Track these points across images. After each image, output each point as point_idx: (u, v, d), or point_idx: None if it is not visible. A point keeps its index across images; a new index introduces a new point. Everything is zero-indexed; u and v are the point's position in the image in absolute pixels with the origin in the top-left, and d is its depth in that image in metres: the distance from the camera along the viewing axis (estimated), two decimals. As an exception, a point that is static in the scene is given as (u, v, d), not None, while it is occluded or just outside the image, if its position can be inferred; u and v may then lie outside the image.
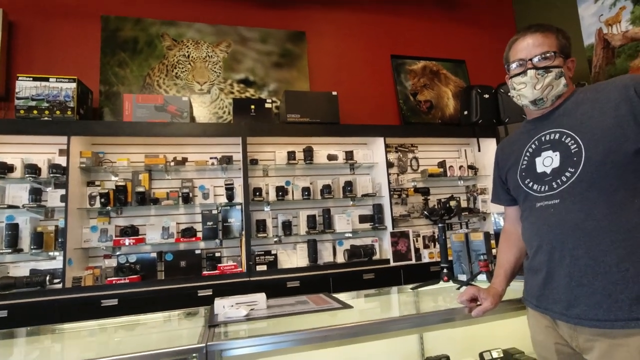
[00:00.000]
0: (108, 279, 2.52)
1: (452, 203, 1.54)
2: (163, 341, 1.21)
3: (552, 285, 1.02)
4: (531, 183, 1.08)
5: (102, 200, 2.64)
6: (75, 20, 2.99)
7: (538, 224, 1.05)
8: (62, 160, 2.62)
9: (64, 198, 2.56)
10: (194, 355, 0.93)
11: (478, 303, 1.15)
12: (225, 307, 1.23)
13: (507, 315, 1.29)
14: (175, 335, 1.27)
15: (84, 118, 2.65)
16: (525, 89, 1.07)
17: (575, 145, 0.98)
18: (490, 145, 3.42)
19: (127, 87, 3.01)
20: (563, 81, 1.05)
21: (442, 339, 1.51)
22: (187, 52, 3.18)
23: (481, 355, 1.43)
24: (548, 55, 1.05)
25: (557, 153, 1.02)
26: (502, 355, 1.43)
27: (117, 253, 2.70)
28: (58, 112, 2.49)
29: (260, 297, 1.30)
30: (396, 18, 3.85)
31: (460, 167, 3.41)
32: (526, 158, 1.11)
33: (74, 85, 2.55)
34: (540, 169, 1.06)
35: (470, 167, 3.45)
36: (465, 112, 3.43)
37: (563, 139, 1.01)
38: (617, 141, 0.91)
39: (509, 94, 1.15)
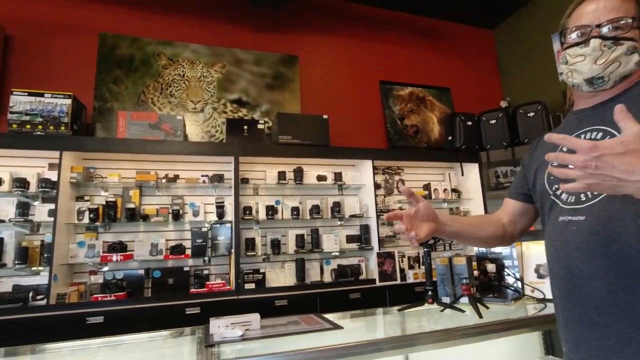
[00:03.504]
0: (94, 295, 2.49)
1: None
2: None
3: (564, 319, 0.88)
4: (560, 191, 0.89)
5: (92, 215, 2.64)
6: (72, 36, 3.04)
7: (557, 241, 0.88)
8: (51, 175, 2.61)
9: (51, 212, 2.55)
10: (193, 374, 0.97)
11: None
12: (221, 327, 1.27)
13: (484, 337, 1.36)
14: (172, 356, 1.29)
15: (77, 133, 2.67)
16: (582, 63, 0.85)
17: None
18: (472, 170, 3.58)
19: (121, 103, 3.05)
20: (635, 58, 0.82)
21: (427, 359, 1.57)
22: (183, 71, 3.26)
23: (464, 375, 1.49)
24: (622, 23, 0.81)
25: None
26: (483, 375, 1.50)
27: (104, 269, 2.68)
28: (52, 127, 2.51)
29: (254, 318, 1.34)
30: (385, 46, 4.03)
31: (445, 190, 3.55)
32: None
33: (69, 101, 2.58)
34: None
35: (454, 190, 3.59)
36: (450, 138, 3.60)
37: None
38: None
39: (559, 72, 0.93)
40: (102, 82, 3.03)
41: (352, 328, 1.40)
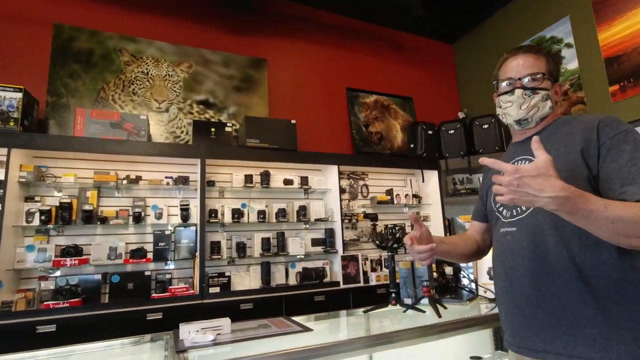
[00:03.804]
0: (44, 302, 2.34)
1: (400, 234, 1.72)
2: None
3: (504, 312, 1.06)
4: (501, 207, 1.09)
5: (43, 217, 2.48)
6: (24, 25, 2.84)
7: (498, 249, 1.08)
8: (-3, 173, 2.43)
9: (-3, 214, 2.37)
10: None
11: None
12: (191, 332, 1.27)
13: (442, 336, 1.47)
14: None
15: (27, 130, 2.50)
16: (511, 108, 1.08)
17: None
18: (432, 177, 3.77)
19: (78, 99, 2.89)
20: (549, 104, 1.06)
21: (390, 358, 1.65)
22: (147, 69, 3.15)
23: (423, 372, 1.59)
24: (537, 76, 1.05)
25: None
26: (441, 371, 1.61)
27: (56, 274, 2.53)
28: None
29: (225, 322, 1.35)
30: (352, 54, 4.15)
31: (406, 195, 3.71)
32: None
33: (19, 95, 2.41)
34: None
35: (415, 195, 3.76)
36: (412, 145, 3.77)
37: None
38: (572, 178, 0.90)
39: (496, 113, 1.16)
40: (57, 76, 2.86)
41: (320, 330, 1.45)
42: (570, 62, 3.46)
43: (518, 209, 1.02)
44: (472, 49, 4.54)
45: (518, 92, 1.06)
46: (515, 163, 1.08)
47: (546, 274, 0.94)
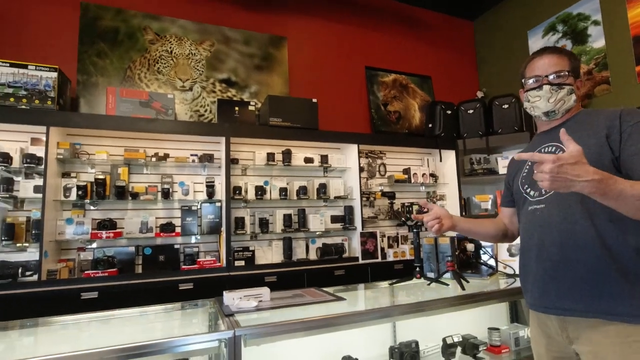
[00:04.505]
0: (85, 272, 2.51)
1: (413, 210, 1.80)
2: (186, 328, 1.33)
3: (533, 279, 1.17)
4: (529, 189, 1.23)
5: (79, 192, 2.62)
6: (52, 4, 2.89)
7: (527, 224, 1.21)
8: (35, 150, 2.55)
9: (36, 189, 2.51)
10: (223, 339, 1.09)
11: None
12: (235, 299, 1.39)
13: (464, 307, 1.57)
14: (197, 324, 1.39)
15: (62, 108, 2.60)
16: (539, 102, 1.21)
17: None
18: (450, 156, 3.80)
19: (106, 78, 2.97)
20: (573, 97, 1.19)
21: (411, 327, 1.77)
22: (170, 47, 3.19)
23: (444, 339, 1.71)
24: (562, 73, 1.18)
25: None
26: (460, 339, 1.72)
27: (94, 246, 2.69)
28: (37, 101, 2.43)
29: (264, 291, 1.46)
30: (371, 32, 4.11)
31: (423, 174, 3.76)
32: (527, 167, 1.26)
33: (54, 74, 2.49)
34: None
35: (432, 175, 3.81)
36: (430, 125, 3.79)
37: (557, 152, 1.09)
38: (594, 158, 1.03)
39: (523, 106, 1.29)
40: (86, 54, 2.93)
41: (351, 299, 1.56)
42: (597, 41, 3.39)
43: (544, 189, 1.14)
44: (493, 26, 4.45)
45: (546, 87, 1.19)
46: (542, 150, 1.22)
47: (574, 242, 1.07)
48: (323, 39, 3.86)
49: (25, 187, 2.53)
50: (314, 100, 3.27)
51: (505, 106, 3.61)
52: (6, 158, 2.46)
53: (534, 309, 1.20)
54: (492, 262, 1.97)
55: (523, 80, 1.27)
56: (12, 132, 2.57)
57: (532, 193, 1.21)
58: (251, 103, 3.17)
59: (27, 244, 2.52)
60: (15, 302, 2.21)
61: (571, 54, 1.22)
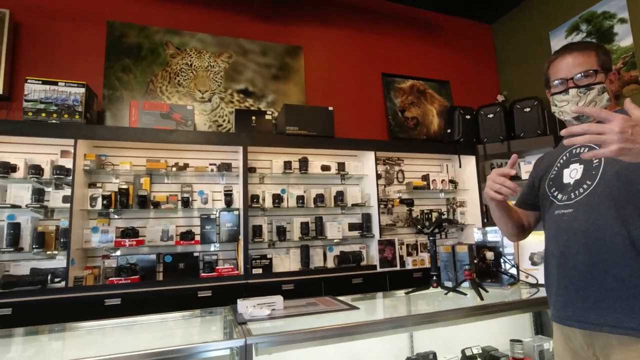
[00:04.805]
0: (109, 278, 2.60)
1: (441, 219, 1.76)
2: (202, 336, 1.35)
3: (556, 289, 1.09)
4: (556, 192, 1.13)
5: (104, 202, 2.72)
6: (81, 23, 3.05)
7: (553, 229, 1.12)
8: (64, 162, 2.68)
9: (65, 199, 2.63)
10: (234, 348, 1.10)
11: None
12: (248, 307, 1.40)
13: (483, 318, 1.52)
14: (213, 331, 1.41)
15: (89, 122, 2.72)
16: (567, 106, 1.09)
17: (597, 160, 1.04)
18: (470, 162, 3.72)
19: (130, 92, 3.10)
20: (606, 96, 1.07)
21: (429, 338, 1.72)
22: (190, 60, 3.30)
23: (463, 351, 1.66)
24: (589, 72, 1.06)
25: (582, 166, 1.08)
26: (480, 351, 1.66)
27: (117, 254, 2.78)
28: (66, 116, 2.56)
29: (277, 299, 1.47)
30: (387, 38, 4.11)
31: (442, 181, 3.69)
32: (556, 169, 1.17)
33: (82, 90, 2.62)
34: (566, 179, 1.11)
35: (451, 181, 3.73)
36: (449, 130, 3.72)
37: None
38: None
39: (551, 110, 1.18)
40: (112, 70, 3.07)
41: (366, 308, 1.54)
42: (624, 39, 3.25)
43: (576, 191, 1.07)
44: (513, 28, 4.35)
45: (572, 91, 1.08)
46: (573, 151, 1.14)
47: (603, 250, 0.98)
48: (339, 47, 3.88)
49: (54, 197, 2.66)
50: (330, 108, 3.29)
51: (527, 109, 3.51)
52: (38, 170, 2.59)
53: (557, 321, 1.11)
54: (513, 271, 1.90)
55: (547, 83, 1.17)
56: (43, 145, 2.71)
57: (559, 196, 1.12)
58: (268, 112, 3.22)
59: (56, 252, 2.64)
60: (44, 307, 2.31)
61: (598, 47, 1.10)
